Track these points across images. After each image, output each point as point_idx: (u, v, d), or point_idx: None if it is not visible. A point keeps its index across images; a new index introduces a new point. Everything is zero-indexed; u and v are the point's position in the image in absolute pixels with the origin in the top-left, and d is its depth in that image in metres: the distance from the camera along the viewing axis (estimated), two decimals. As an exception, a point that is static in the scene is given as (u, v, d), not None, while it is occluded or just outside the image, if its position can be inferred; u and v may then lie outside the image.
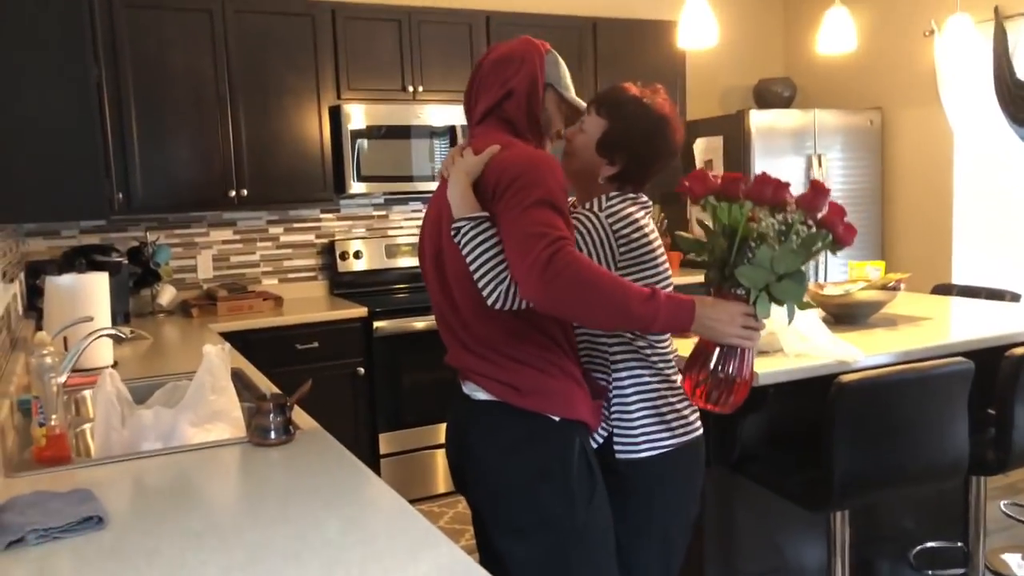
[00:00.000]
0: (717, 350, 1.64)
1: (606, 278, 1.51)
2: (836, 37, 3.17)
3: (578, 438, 1.73)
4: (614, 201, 1.82)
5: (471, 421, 1.78)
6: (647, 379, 1.84)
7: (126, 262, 3.70)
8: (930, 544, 2.92)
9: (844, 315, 2.90)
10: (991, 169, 4.49)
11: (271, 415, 1.77)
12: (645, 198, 1.87)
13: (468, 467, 1.81)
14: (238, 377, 2.44)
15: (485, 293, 1.60)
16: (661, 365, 1.86)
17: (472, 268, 1.61)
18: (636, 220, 1.80)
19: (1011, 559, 3.23)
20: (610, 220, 1.78)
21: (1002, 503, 3.53)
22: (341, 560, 1.19)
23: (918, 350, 2.46)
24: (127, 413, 1.86)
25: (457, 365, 1.81)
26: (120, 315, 3.61)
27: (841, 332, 2.66)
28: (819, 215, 1.60)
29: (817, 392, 2.20)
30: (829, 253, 1.64)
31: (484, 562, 1.93)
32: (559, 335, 1.73)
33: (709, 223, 1.66)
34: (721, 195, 1.65)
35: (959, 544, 2.83)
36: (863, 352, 2.37)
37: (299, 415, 1.96)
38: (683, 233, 1.79)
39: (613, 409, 1.83)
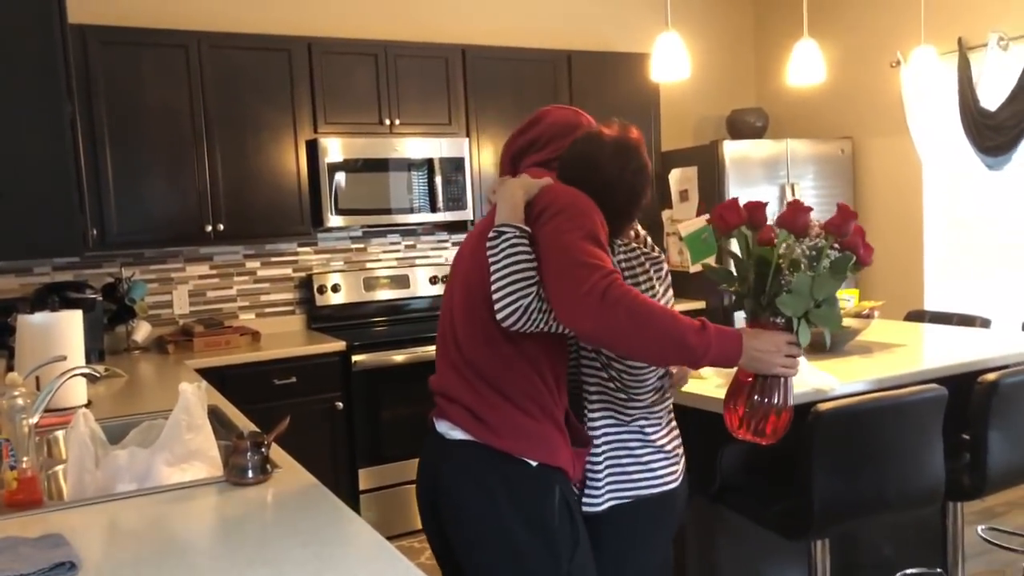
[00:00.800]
0: (759, 381, 1.64)
1: (661, 309, 1.52)
2: (805, 69, 3.24)
3: (557, 486, 1.68)
4: (620, 250, 1.83)
5: (445, 462, 1.74)
6: (618, 432, 1.81)
7: (100, 299, 3.66)
8: (909, 571, 2.93)
9: (820, 343, 2.92)
10: (959, 197, 4.57)
11: (248, 453, 1.74)
12: (657, 254, 1.87)
13: (444, 512, 1.76)
14: (215, 415, 2.41)
15: (501, 305, 1.58)
16: (638, 418, 1.82)
17: (497, 276, 1.60)
18: (643, 278, 1.82)
19: (990, 583, 3.24)
20: (622, 267, 1.81)
21: (979, 528, 3.55)
22: (320, 602, 1.18)
23: (893, 377, 2.49)
24: (101, 454, 1.83)
25: (440, 387, 1.78)
26: (94, 353, 3.56)
27: (817, 360, 2.68)
28: (843, 238, 1.63)
29: (795, 420, 2.21)
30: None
31: None
32: (549, 374, 1.71)
33: (738, 252, 1.68)
34: (751, 225, 1.68)
35: (938, 570, 2.84)
36: (839, 380, 2.39)
37: (277, 452, 1.94)
38: (712, 264, 1.76)
39: (587, 461, 1.80)
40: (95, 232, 3.61)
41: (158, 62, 3.73)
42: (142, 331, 3.90)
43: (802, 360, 2.47)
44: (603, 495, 1.79)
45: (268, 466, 1.77)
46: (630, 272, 1.83)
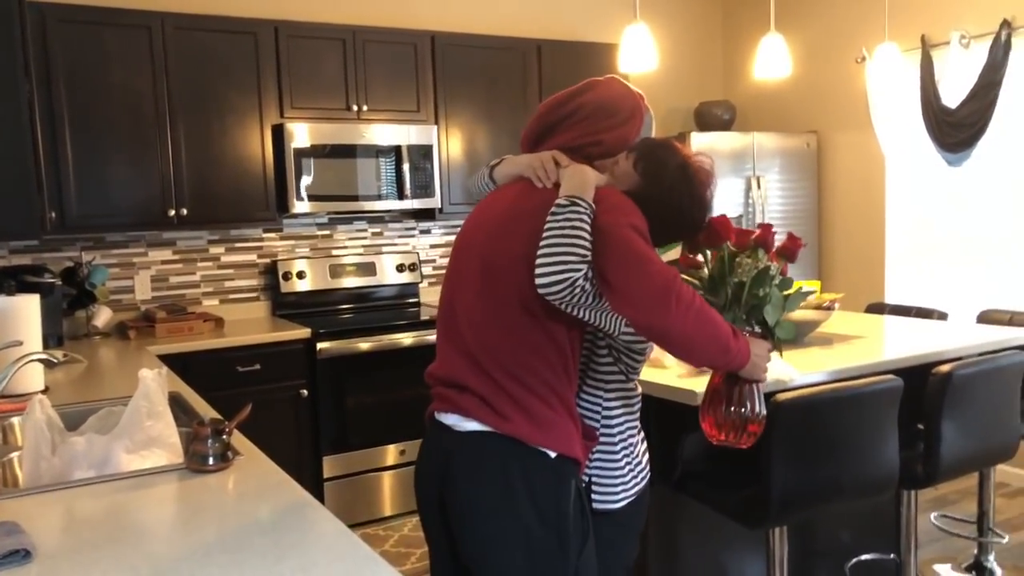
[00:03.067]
0: (736, 388, 1.70)
1: (714, 315, 1.58)
2: (772, 63, 3.27)
3: (573, 480, 1.67)
4: None
5: (457, 455, 1.66)
6: (629, 429, 1.84)
7: (59, 283, 3.60)
8: (865, 556, 2.99)
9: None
10: (920, 192, 4.66)
11: (209, 440, 1.73)
12: None
13: (452, 506, 1.69)
14: (176, 401, 2.39)
15: (548, 271, 1.52)
16: (636, 415, 1.86)
17: (552, 242, 1.53)
18: None
19: (943, 569, 3.33)
20: None
21: (932, 515, 3.64)
22: (279, 589, 1.18)
23: (851, 368, 2.53)
24: (58, 441, 1.81)
25: (444, 376, 1.70)
26: (53, 338, 3.51)
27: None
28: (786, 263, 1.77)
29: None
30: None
31: None
32: (571, 363, 1.67)
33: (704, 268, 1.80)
34: (737, 245, 1.81)
35: (892, 556, 2.91)
36: (799, 371, 2.43)
37: (239, 440, 1.93)
38: (689, 278, 1.83)
39: (595, 457, 1.79)
40: (53, 215, 3.55)
41: (120, 43, 3.66)
42: (103, 316, 3.84)
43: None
44: (620, 492, 1.80)
45: (229, 453, 1.76)
46: None
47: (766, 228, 1.77)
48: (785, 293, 1.70)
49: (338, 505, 3.90)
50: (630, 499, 1.82)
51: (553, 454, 1.63)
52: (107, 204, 3.68)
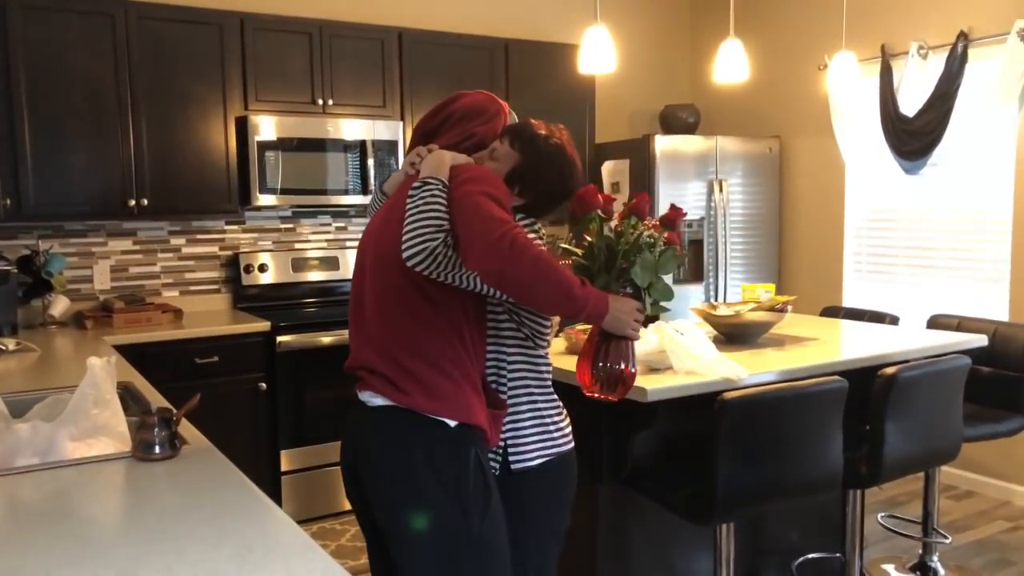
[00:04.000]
0: (610, 343, 1.81)
1: (556, 263, 1.67)
2: (730, 68, 3.32)
3: (473, 448, 1.76)
4: (522, 224, 1.92)
5: (366, 427, 1.81)
6: (536, 394, 1.92)
7: (15, 271, 3.56)
8: (811, 555, 3.05)
9: (735, 335, 3.02)
10: (877, 198, 4.75)
11: (156, 429, 1.73)
12: (541, 227, 1.98)
13: (364, 476, 1.82)
14: (128, 391, 2.38)
15: (409, 243, 1.68)
16: (547, 379, 1.95)
17: (410, 219, 1.70)
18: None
19: (889, 568, 3.40)
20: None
21: (879, 516, 3.72)
22: (214, 573, 1.19)
23: (799, 369, 2.58)
24: (2, 427, 1.79)
25: (356, 364, 1.85)
26: (6, 326, 3.47)
27: (732, 351, 2.77)
28: (668, 233, 1.92)
29: (705, 409, 2.29)
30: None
31: (375, 567, 1.96)
32: (467, 337, 1.79)
33: (589, 237, 1.91)
34: (605, 212, 1.93)
35: (837, 555, 2.97)
36: (747, 371, 2.48)
37: (188, 430, 1.93)
38: (567, 247, 1.99)
39: (506, 423, 1.88)
40: (8, 202, 3.50)
41: (82, 30, 3.63)
42: (59, 306, 3.80)
43: (713, 350, 2.57)
44: (532, 450, 1.88)
45: (177, 442, 1.76)
46: (529, 230, 1.94)
47: (640, 196, 1.94)
48: (659, 257, 1.85)
49: (296, 499, 3.90)
50: (545, 459, 1.89)
51: (452, 423, 1.75)
52: (66, 192, 3.64)
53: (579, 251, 1.93)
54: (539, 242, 1.93)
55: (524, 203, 1.91)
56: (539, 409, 1.91)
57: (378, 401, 1.78)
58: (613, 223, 1.92)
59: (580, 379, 1.87)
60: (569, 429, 1.98)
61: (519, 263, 1.61)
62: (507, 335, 1.90)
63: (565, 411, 1.99)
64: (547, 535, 1.94)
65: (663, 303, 1.87)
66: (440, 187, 1.75)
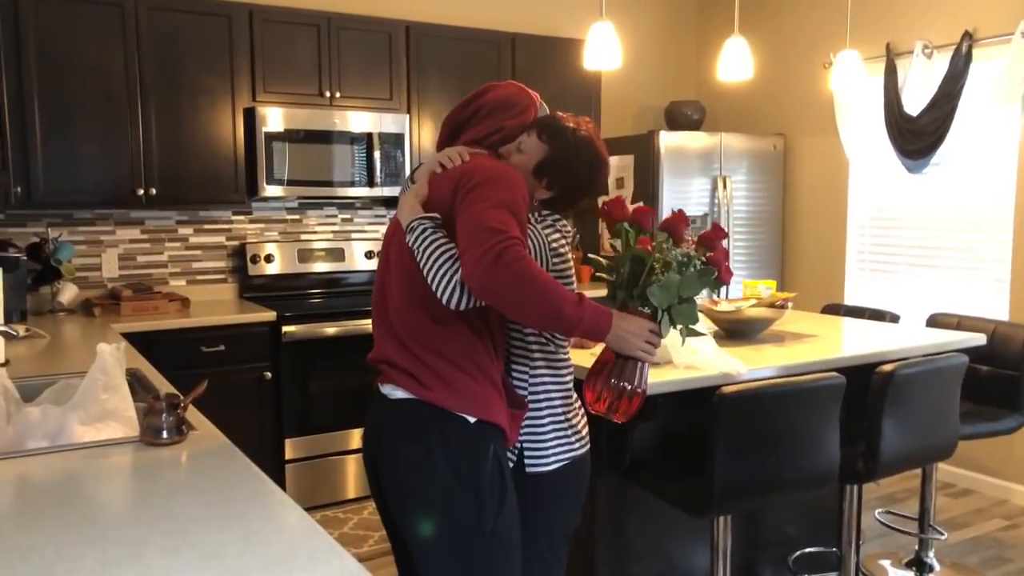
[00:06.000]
0: (619, 362, 1.76)
1: (546, 279, 1.62)
2: (734, 65, 3.34)
3: (492, 444, 1.76)
4: (548, 220, 1.94)
5: (387, 420, 1.81)
6: (556, 397, 1.91)
7: (24, 258, 3.60)
8: (808, 549, 3.08)
9: (736, 331, 3.05)
10: (880, 197, 4.76)
11: (163, 414, 1.77)
12: (566, 223, 1.98)
13: (381, 468, 1.83)
14: (136, 377, 2.42)
15: (440, 289, 1.66)
16: (568, 382, 1.94)
17: (426, 267, 1.68)
18: (559, 246, 1.93)
19: (886, 564, 3.43)
20: (546, 232, 1.91)
21: (877, 512, 3.75)
22: (219, 555, 1.22)
23: (798, 365, 2.61)
24: (13, 411, 1.83)
25: (379, 357, 1.84)
26: (16, 313, 3.51)
27: (732, 347, 2.80)
28: (710, 254, 1.83)
29: (704, 403, 2.31)
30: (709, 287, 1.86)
31: (399, 560, 1.98)
32: (487, 336, 1.78)
33: (618, 247, 1.84)
34: (634, 224, 1.86)
35: (833, 549, 3.00)
36: (746, 366, 2.51)
37: (195, 416, 1.97)
38: (595, 256, 1.96)
39: (525, 423, 1.88)
40: (19, 189, 3.54)
41: (93, 21, 3.66)
42: (68, 293, 3.85)
43: (713, 345, 2.60)
44: (550, 455, 1.88)
45: (184, 427, 1.80)
46: (554, 230, 1.94)
47: (677, 215, 1.85)
48: (682, 278, 1.73)
49: (299, 487, 3.94)
50: (561, 463, 1.89)
51: (472, 419, 1.75)
52: (75, 181, 3.68)
53: (604, 261, 1.88)
54: (563, 240, 1.95)
55: (551, 196, 1.90)
56: (558, 412, 1.90)
57: (399, 394, 1.78)
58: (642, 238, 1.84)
59: (586, 393, 1.82)
60: (586, 431, 1.96)
61: (503, 279, 1.57)
62: (531, 337, 1.90)
63: (583, 410, 1.96)
64: (558, 535, 1.94)
65: (687, 324, 1.77)
66: (425, 225, 1.72)
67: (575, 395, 1.97)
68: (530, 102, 1.96)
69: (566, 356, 1.96)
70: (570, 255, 1.97)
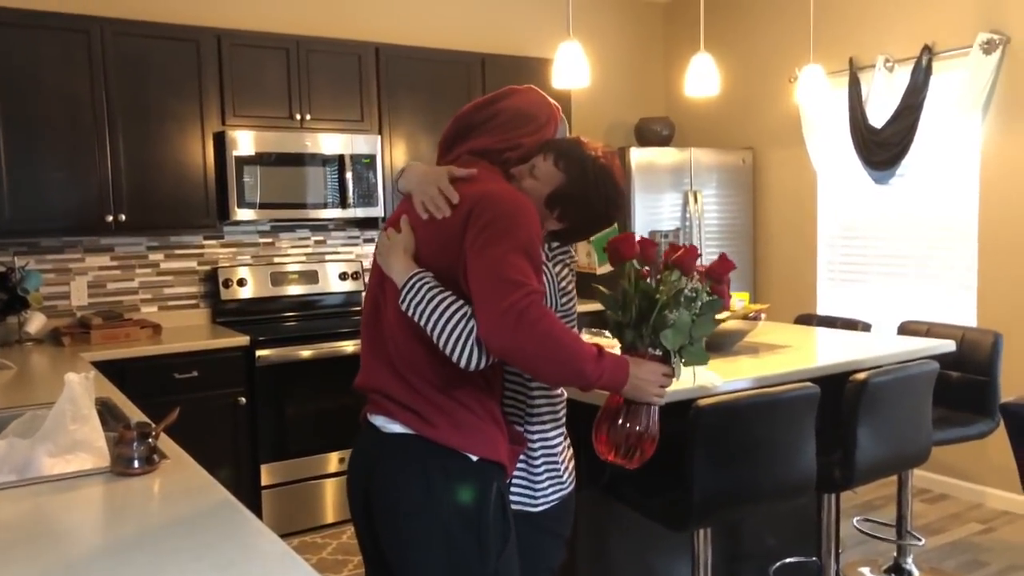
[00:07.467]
0: (631, 408, 1.72)
1: (570, 337, 1.55)
2: (701, 82, 3.38)
3: (495, 482, 1.69)
4: (556, 254, 1.87)
5: (382, 455, 1.70)
6: (552, 436, 1.86)
7: (-10, 288, 3.54)
8: (788, 560, 3.09)
9: (710, 343, 3.05)
10: (849, 207, 4.83)
11: (134, 444, 1.74)
12: (573, 255, 1.92)
13: (375, 502, 1.73)
14: (106, 406, 2.38)
15: (454, 354, 1.56)
16: (562, 418, 1.90)
17: (434, 330, 1.58)
18: (567, 283, 1.87)
19: (865, 571, 3.45)
20: (556, 268, 1.85)
21: (855, 519, 3.77)
22: (194, 586, 1.20)
23: (773, 376, 2.63)
24: (-21, 444, 1.79)
25: (370, 385, 1.74)
26: (-18, 343, 3.45)
27: (705, 359, 2.81)
28: (717, 285, 1.77)
29: (678, 414, 2.32)
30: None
31: None
32: (488, 372, 1.68)
33: (625, 284, 1.76)
34: (642, 260, 1.77)
35: (814, 558, 3.01)
36: (722, 378, 2.52)
37: (168, 445, 1.94)
38: (602, 288, 1.83)
39: (520, 462, 1.82)
40: (-15, 219, 3.49)
41: (58, 47, 3.63)
42: (36, 322, 3.78)
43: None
44: (540, 496, 1.83)
45: (155, 456, 1.77)
46: (562, 265, 1.87)
47: (689, 250, 1.75)
48: (693, 318, 1.67)
49: (277, 513, 3.89)
50: (550, 505, 1.85)
51: (475, 457, 1.67)
52: (42, 208, 3.64)
53: (606, 291, 1.80)
54: (570, 276, 1.88)
55: (561, 228, 1.78)
56: (552, 450, 1.84)
57: (396, 428, 1.68)
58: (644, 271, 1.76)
59: (596, 442, 1.76)
60: (572, 464, 1.91)
61: (526, 340, 1.50)
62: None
63: (569, 441, 1.91)
64: (543, 570, 1.90)
65: (697, 365, 1.74)
66: (424, 282, 1.61)
67: (565, 430, 1.92)
68: (551, 115, 1.83)
69: (561, 392, 1.90)
70: (574, 290, 1.90)
